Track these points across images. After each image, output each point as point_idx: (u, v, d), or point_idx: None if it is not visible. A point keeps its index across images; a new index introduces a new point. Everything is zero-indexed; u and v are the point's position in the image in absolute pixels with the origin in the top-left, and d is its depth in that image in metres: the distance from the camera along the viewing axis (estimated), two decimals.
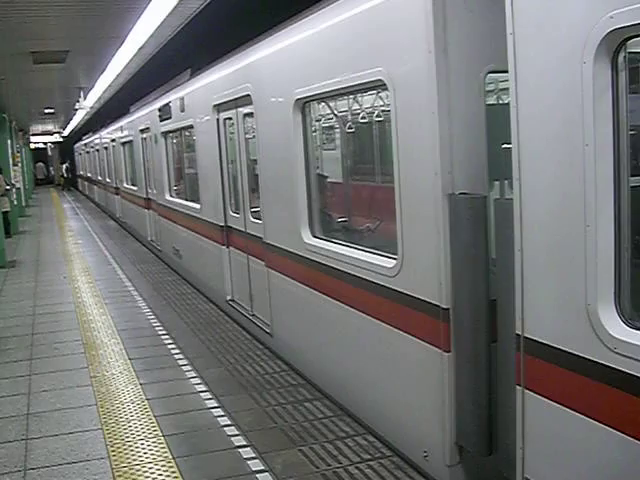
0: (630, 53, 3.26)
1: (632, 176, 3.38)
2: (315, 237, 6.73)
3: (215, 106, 9.61)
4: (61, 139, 49.60)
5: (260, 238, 8.17)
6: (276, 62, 7.33)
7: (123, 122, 20.31)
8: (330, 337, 6.53)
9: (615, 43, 3.14)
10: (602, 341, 3.27)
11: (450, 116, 4.45)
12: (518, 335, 3.85)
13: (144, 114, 16.01)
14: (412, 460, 5.19)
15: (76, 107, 20.81)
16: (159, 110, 13.75)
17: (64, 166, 48.57)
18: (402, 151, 4.95)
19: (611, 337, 3.23)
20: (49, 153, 55.21)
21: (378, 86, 5.37)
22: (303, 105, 6.68)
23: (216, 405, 6.45)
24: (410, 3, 4.65)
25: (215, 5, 9.53)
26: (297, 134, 6.78)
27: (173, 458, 5.41)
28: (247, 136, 8.79)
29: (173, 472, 5.19)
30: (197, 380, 7.16)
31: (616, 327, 3.25)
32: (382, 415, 5.65)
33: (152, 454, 5.50)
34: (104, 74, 16.11)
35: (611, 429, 3.28)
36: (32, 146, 50.20)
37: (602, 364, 3.29)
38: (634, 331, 3.20)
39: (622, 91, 3.24)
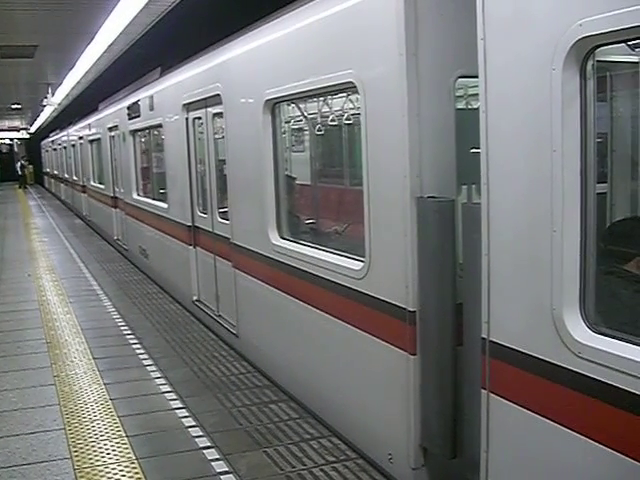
0: (598, 62, 3.29)
1: (598, 183, 3.41)
2: (283, 238, 6.71)
3: (185, 105, 9.56)
4: (28, 136, 49.04)
5: (227, 239, 8.14)
6: (247, 62, 7.31)
7: (91, 120, 20.13)
8: (296, 339, 6.52)
9: (584, 51, 3.16)
10: (567, 346, 3.30)
11: (420, 119, 4.46)
12: (484, 339, 3.87)
13: (113, 112, 15.88)
14: (377, 462, 5.19)
15: (44, 103, 20.62)
16: (128, 108, 13.65)
17: (19, 163, 47.42)
18: (371, 154, 4.95)
19: (576, 342, 3.26)
20: (15, 149, 54.53)
21: (348, 88, 5.37)
22: (273, 106, 6.66)
23: (181, 406, 6.41)
24: (382, 6, 4.66)
25: (186, 4, 9.50)
26: (266, 135, 6.76)
27: (137, 459, 5.37)
28: (216, 136, 8.76)
29: (136, 473, 5.14)
30: (162, 380, 7.11)
31: (581, 332, 3.27)
32: (347, 417, 5.64)
33: (115, 455, 5.45)
34: (73, 70, 16.00)
35: (576, 434, 3.30)
36: None
37: (567, 369, 3.31)
38: (598, 336, 3.22)
39: (590, 98, 3.27)
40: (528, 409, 3.61)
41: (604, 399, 3.16)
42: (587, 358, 3.21)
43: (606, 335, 3.22)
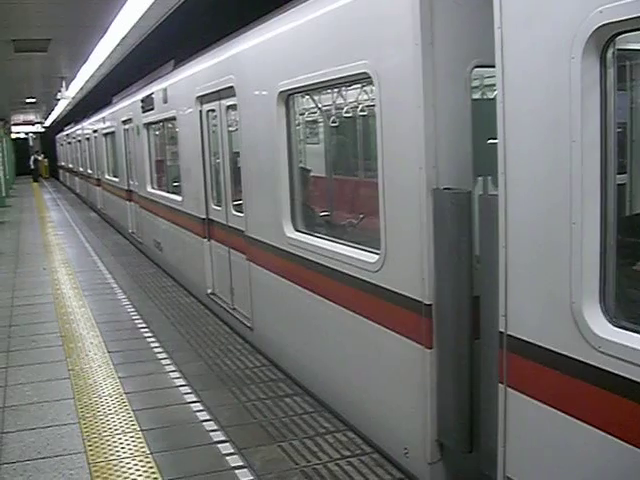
0: (619, 50, 3.22)
1: (619, 174, 3.34)
2: (297, 231, 6.67)
3: (198, 98, 9.53)
4: (43, 129, 49.19)
5: (242, 231, 8.11)
6: (260, 54, 7.26)
7: (105, 113, 20.16)
8: (311, 332, 6.48)
9: (604, 39, 3.10)
10: (586, 340, 3.24)
11: (435, 110, 4.40)
12: (501, 332, 3.82)
13: (126, 105, 15.88)
14: (392, 457, 5.15)
15: (58, 97, 20.63)
16: (142, 101, 13.64)
17: (32, 158, 47.74)
18: (386, 145, 4.89)
19: (595, 336, 3.20)
20: (30, 143, 54.70)
21: (363, 79, 5.31)
22: (287, 98, 6.61)
23: (195, 400, 6.39)
24: None
25: None
26: (280, 127, 6.71)
27: (151, 453, 5.35)
28: (230, 128, 8.72)
29: (151, 467, 5.12)
30: (176, 374, 7.09)
31: (601, 326, 3.22)
32: (363, 411, 5.61)
33: (130, 449, 5.43)
34: (86, 64, 16.01)
35: (595, 429, 3.25)
36: (13, 136, 49.73)
37: (586, 363, 3.26)
38: (619, 330, 3.17)
39: (610, 88, 3.21)
40: (546, 404, 3.57)
41: (624, 394, 3.10)
42: (607, 352, 3.15)
43: (626, 329, 3.16)
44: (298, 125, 7.09)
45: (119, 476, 5.02)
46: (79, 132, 29.16)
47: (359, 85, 5.98)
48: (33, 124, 45.21)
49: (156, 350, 7.95)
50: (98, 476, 5.03)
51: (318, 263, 6.06)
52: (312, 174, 7.36)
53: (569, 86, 3.21)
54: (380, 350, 5.24)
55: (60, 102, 25.66)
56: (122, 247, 16.21)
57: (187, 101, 10.06)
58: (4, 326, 9.22)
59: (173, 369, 7.26)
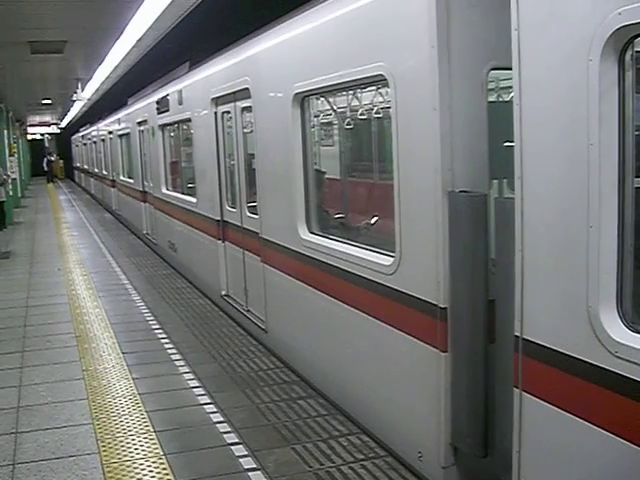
0: (637, 52, 3.20)
1: (637, 177, 3.32)
2: (312, 233, 6.66)
3: (213, 99, 9.54)
4: (58, 130, 49.38)
5: (256, 233, 8.11)
6: (276, 56, 7.26)
7: (120, 114, 20.24)
8: (325, 334, 6.47)
9: (623, 41, 3.07)
10: (603, 344, 3.21)
11: (451, 112, 4.38)
12: (517, 336, 3.79)
13: (142, 106, 15.93)
14: (406, 460, 5.13)
15: (74, 98, 20.70)
16: (157, 103, 13.68)
17: (45, 159, 48.04)
18: (402, 147, 4.88)
19: (612, 340, 3.17)
20: (46, 144, 54.93)
21: (378, 81, 5.30)
22: (302, 100, 6.61)
23: (209, 401, 6.39)
24: None
25: None
26: (295, 129, 6.71)
27: (164, 454, 5.35)
28: (245, 130, 8.72)
29: (164, 469, 5.12)
30: (190, 375, 7.10)
31: (618, 330, 3.19)
32: (377, 414, 5.59)
33: (143, 450, 5.43)
34: (102, 65, 16.06)
35: (611, 434, 3.22)
36: (29, 137, 49.97)
37: (603, 368, 3.23)
38: (636, 335, 3.14)
39: (629, 90, 3.18)
40: (562, 409, 3.54)
41: None
42: (624, 357, 3.12)
43: None
44: (313, 127, 7.08)
45: (132, 477, 5.02)
46: (94, 133, 29.30)
47: (374, 87, 5.96)
48: (49, 125, 45.40)
49: (170, 351, 7.95)
50: (111, 477, 5.03)
51: (332, 265, 6.05)
52: (327, 176, 7.35)
53: (587, 88, 3.18)
54: (394, 353, 5.22)
55: (76, 103, 25.77)
56: (136, 248, 16.25)
57: (202, 103, 10.07)
58: (19, 326, 9.26)
59: (187, 370, 7.26)
